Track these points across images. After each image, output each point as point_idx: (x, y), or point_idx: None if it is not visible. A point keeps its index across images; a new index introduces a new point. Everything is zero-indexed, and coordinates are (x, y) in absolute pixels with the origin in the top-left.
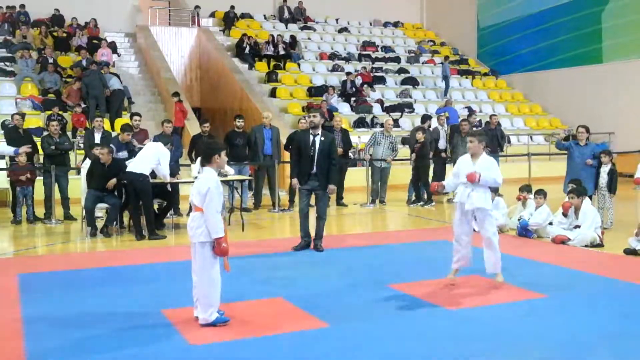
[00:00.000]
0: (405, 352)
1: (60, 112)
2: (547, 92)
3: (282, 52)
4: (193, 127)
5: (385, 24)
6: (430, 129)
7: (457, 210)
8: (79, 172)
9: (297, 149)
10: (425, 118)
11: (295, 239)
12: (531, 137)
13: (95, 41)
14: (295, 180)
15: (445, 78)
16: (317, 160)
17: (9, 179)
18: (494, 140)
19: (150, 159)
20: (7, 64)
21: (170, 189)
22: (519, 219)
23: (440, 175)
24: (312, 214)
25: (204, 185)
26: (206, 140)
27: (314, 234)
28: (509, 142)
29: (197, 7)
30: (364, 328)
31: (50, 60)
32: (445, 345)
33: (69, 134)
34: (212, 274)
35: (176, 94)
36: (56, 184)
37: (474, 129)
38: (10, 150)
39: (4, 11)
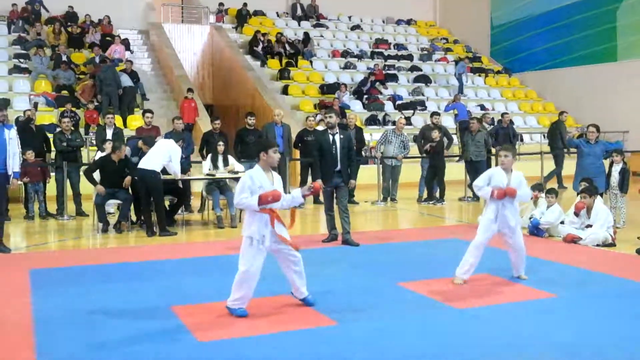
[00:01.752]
0: (413, 351)
1: (74, 109)
2: (560, 90)
3: (290, 51)
4: (205, 124)
5: (398, 22)
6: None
7: (484, 225)
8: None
9: (318, 150)
10: (435, 115)
11: (306, 236)
12: (544, 136)
13: (108, 38)
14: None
15: (459, 77)
16: (340, 158)
17: None
18: (506, 138)
19: (162, 156)
20: (22, 60)
21: (181, 186)
22: (530, 218)
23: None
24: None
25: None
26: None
27: (340, 228)
28: (522, 140)
29: (221, 4)
30: (372, 327)
31: (64, 57)
32: (454, 345)
33: (82, 130)
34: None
35: (190, 90)
36: (68, 180)
37: (488, 127)
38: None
39: (18, 8)
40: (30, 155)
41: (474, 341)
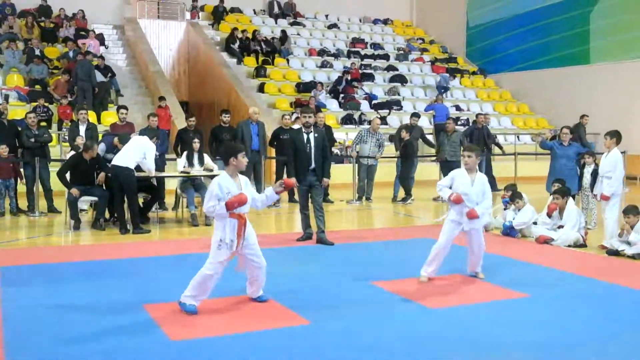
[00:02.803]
0: (385, 350)
1: (46, 104)
2: (535, 92)
3: (267, 49)
4: (180, 121)
5: (375, 21)
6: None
7: (448, 226)
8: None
9: (293, 149)
10: (413, 116)
11: (280, 235)
12: (518, 137)
13: (82, 32)
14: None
15: (444, 89)
16: (314, 156)
17: None
18: (481, 139)
19: (136, 153)
20: None
21: (155, 183)
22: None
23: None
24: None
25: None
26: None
27: (315, 227)
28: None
29: (195, 0)
30: (345, 325)
31: (37, 52)
32: (426, 344)
33: (55, 126)
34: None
35: (162, 98)
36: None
37: (462, 128)
38: None
39: None
40: (4, 150)
41: (446, 340)
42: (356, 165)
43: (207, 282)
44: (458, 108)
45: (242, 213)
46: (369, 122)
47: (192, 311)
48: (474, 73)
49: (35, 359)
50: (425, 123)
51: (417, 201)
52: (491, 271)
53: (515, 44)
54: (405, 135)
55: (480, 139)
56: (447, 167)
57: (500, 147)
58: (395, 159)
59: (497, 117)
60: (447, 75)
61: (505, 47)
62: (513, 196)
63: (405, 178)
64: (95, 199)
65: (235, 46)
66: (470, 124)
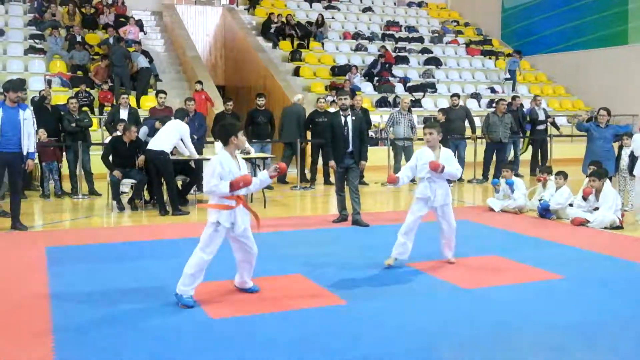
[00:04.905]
0: (421, 330)
1: (88, 89)
2: (571, 73)
3: (302, 33)
4: (217, 104)
5: (410, 4)
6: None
7: (417, 204)
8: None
9: (330, 132)
10: (453, 96)
11: (316, 216)
12: (554, 119)
13: (122, 19)
14: (333, 162)
15: (511, 72)
16: (352, 139)
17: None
18: (516, 121)
19: (171, 136)
20: (37, 41)
21: (193, 166)
22: (539, 200)
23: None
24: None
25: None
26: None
27: (350, 209)
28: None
29: None
30: (381, 306)
31: (78, 38)
32: (460, 324)
33: (96, 110)
34: (207, 254)
35: (199, 82)
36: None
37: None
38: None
39: None
40: (43, 134)
41: (480, 320)
42: (391, 147)
43: (203, 268)
44: (493, 90)
45: (241, 195)
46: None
47: (189, 304)
48: (509, 55)
49: (81, 335)
50: (473, 105)
51: (459, 184)
52: (527, 253)
53: (551, 25)
54: (440, 117)
55: (515, 121)
56: (499, 148)
57: (557, 127)
58: None
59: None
60: (515, 58)
61: (541, 29)
62: (558, 173)
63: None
64: (135, 181)
65: (271, 30)
66: (525, 106)
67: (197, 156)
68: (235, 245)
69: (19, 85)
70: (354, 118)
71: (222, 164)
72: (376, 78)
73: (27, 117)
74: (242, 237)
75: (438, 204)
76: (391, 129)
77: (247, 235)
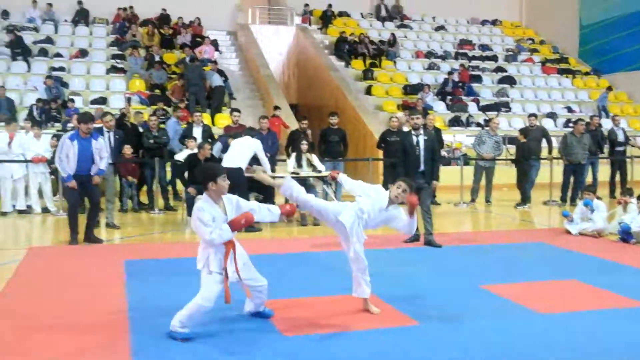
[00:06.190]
0: (495, 354)
1: (165, 107)
2: None
3: (374, 52)
4: (289, 122)
5: (483, 22)
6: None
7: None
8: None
9: (402, 151)
10: (530, 116)
11: (387, 235)
12: (635, 139)
13: (198, 39)
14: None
15: (604, 109)
16: (424, 159)
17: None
18: (594, 141)
19: (245, 153)
20: (118, 61)
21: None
22: (619, 223)
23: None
24: None
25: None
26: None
27: (422, 229)
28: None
29: (306, 5)
30: (454, 328)
31: (157, 58)
32: (538, 350)
33: None
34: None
35: (277, 107)
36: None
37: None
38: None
39: (118, 12)
40: (128, 150)
41: (555, 348)
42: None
43: (202, 313)
44: (570, 110)
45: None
46: (477, 124)
47: (186, 336)
48: (586, 74)
49: (158, 345)
50: (549, 125)
51: (534, 205)
52: (605, 277)
53: (631, 42)
54: (520, 137)
55: (594, 142)
56: (576, 169)
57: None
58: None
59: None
60: (605, 93)
61: (620, 46)
62: (629, 195)
63: (521, 182)
64: None
65: (344, 49)
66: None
67: (269, 172)
68: (245, 289)
69: (88, 117)
70: (426, 137)
71: (203, 210)
72: (449, 97)
73: (98, 147)
74: (246, 279)
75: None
76: (477, 147)
77: (249, 276)
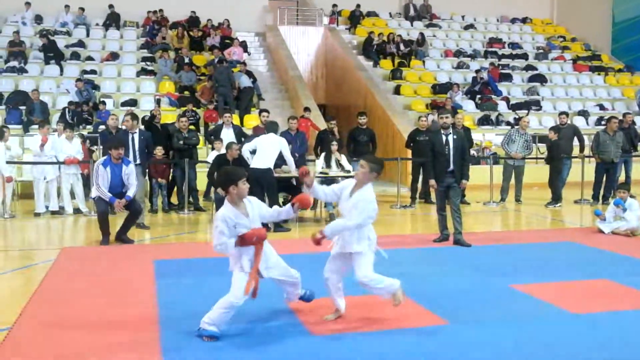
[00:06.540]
0: (526, 354)
1: (194, 109)
2: None
3: (404, 51)
4: (318, 122)
5: (513, 20)
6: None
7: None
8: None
9: (431, 150)
10: (561, 114)
11: (416, 235)
12: None
13: (227, 41)
14: (433, 181)
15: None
16: (453, 158)
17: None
18: (628, 139)
19: (273, 153)
20: (148, 63)
21: (295, 183)
22: None
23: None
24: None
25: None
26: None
27: (452, 228)
28: None
29: (334, 5)
30: (484, 328)
31: (186, 60)
32: (568, 351)
33: (202, 129)
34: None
35: (307, 109)
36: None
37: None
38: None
39: (148, 16)
40: (159, 151)
41: (588, 349)
42: (500, 166)
43: (233, 311)
44: (602, 107)
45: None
46: (507, 123)
47: (213, 335)
48: (619, 70)
49: (188, 343)
50: (581, 123)
51: (565, 204)
52: (639, 278)
53: None
54: (552, 135)
55: (627, 139)
56: (605, 168)
57: None
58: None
59: None
60: None
61: None
62: None
63: (553, 180)
64: None
65: (372, 49)
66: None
67: (294, 171)
68: (275, 281)
69: (119, 143)
70: (455, 137)
71: (225, 221)
72: (478, 96)
73: (128, 172)
74: (276, 276)
75: (344, 250)
76: (506, 146)
77: (280, 272)
